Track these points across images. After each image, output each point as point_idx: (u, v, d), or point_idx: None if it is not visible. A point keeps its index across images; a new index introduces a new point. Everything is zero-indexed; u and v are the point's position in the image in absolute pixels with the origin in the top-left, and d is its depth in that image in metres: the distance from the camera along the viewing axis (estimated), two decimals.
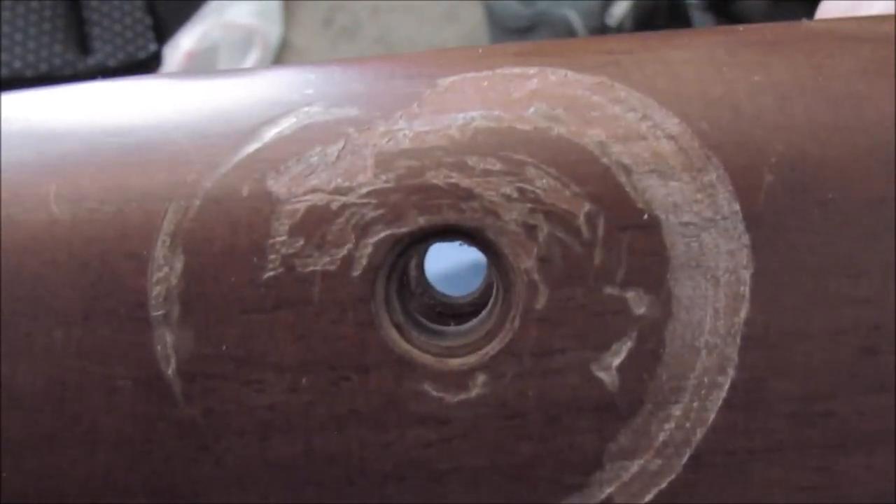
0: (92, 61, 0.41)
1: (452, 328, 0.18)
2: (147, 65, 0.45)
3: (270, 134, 0.16)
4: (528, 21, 1.11)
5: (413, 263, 0.22)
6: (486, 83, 0.17)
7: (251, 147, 0.16)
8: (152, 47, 0.46)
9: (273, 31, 1.09)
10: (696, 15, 1.00)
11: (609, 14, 1.06)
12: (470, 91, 0.16)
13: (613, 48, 0.17)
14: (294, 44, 1.13)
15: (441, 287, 0.22)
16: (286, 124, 0.16)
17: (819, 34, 0.16)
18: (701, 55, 0.17)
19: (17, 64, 0.40)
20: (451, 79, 0.17)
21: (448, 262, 0.39)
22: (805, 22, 0.17)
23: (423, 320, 0.17)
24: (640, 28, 1.03)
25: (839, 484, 0.16)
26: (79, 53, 0.45)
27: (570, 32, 1.07)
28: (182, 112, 0.17)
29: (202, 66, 1.00)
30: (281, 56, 1.11)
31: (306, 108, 0.16)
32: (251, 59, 1.06)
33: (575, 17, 1.08)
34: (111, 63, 0.41)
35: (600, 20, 1.06)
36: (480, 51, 0.17)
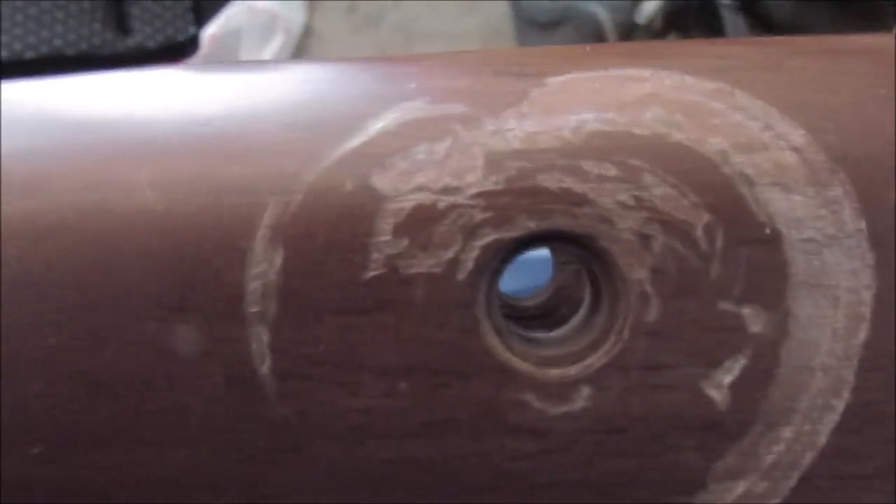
0: (131, 42, 0.40)
1: (543, 335, 0.17)
2: (185, 48, 0.44)
3: (374, 128, 0.16)
4: (556, 15, 1.10)
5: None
6: (597, 84, 0.16)
7: (355, 141, 0.15)
8: (192, 30, 0.46)
9: (296, 17, 1.08)
10: (728, 15, 1.00)
11: (639, 12, 1.05)
12: (581, 91, 0.16)
13: (727, 53, 0.16)
14: (316, 30, 1.12)
15: None
16: (390, 118, 0.16)
17: None
18: (814, 63, 0.16)
19: (58, 42, 0.40)
20: (561, 78, 0.16)
21: None
22: None
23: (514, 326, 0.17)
24: (669, 26, 1.02)
25: None
26: (118, 33, 0.45)
27: (597, 28, 1.06)
28: (275, 102, 0.16)
29: (224, 49, 0.99)
30: (303, 43, 1.11)
31: (410, 103, 0.16)
32: (273, 45, 1.06)
33: (603, 14, 1.07)
34: (150, 44, 0.40)
35: (629, 17, 1.05)
36: (588, 49, 0.17)
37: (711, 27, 0.99)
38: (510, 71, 0.16)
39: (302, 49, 1.10)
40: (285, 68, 0.17)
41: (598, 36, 1.00)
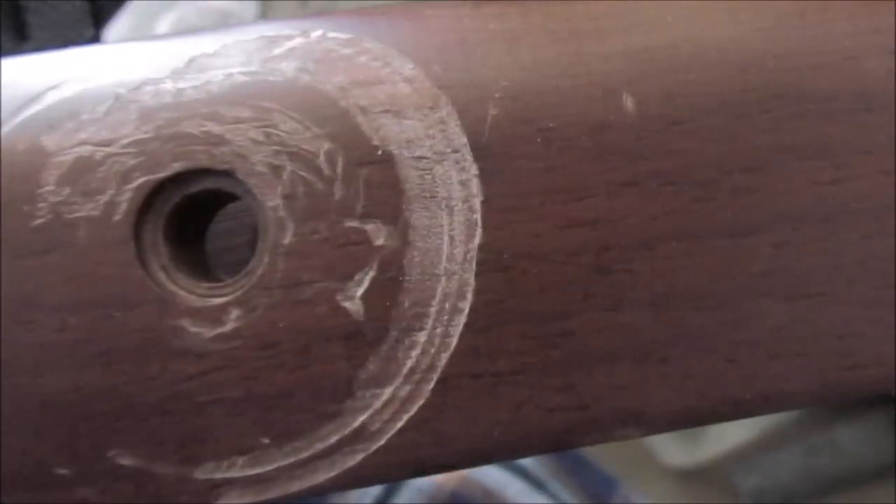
0: (29, 48, 0.42)
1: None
2: None
3: (51, 97, 0.18)
4: None
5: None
6: (252, 45, 0.18)
7: (32, 109, 0.18)
8: (90, 32, 0.48)
9: (249, 11, 1.07)
10: None
11: None
12: (235, 53, 0.18)
13: (371, 11, 0.18)
14: None
15: None
16: (68, 89, 0.18)
17: None
18: (448, 12, 0.18)
19: None
20: (221, 43, 0.18)
21: None
22: None
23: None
24: None
25: (586, 404, 0.17)
26: (17, 40, 0.47)
27: None
28: None
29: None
30: None
31: (90, 73, 0.18)
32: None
33: None
34: (49, 49, 0.42)
35: None
36: (257, 23, 0.19)
37: None
38: (181, 42, 0.18)
39: None
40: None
41: None
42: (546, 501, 0.49)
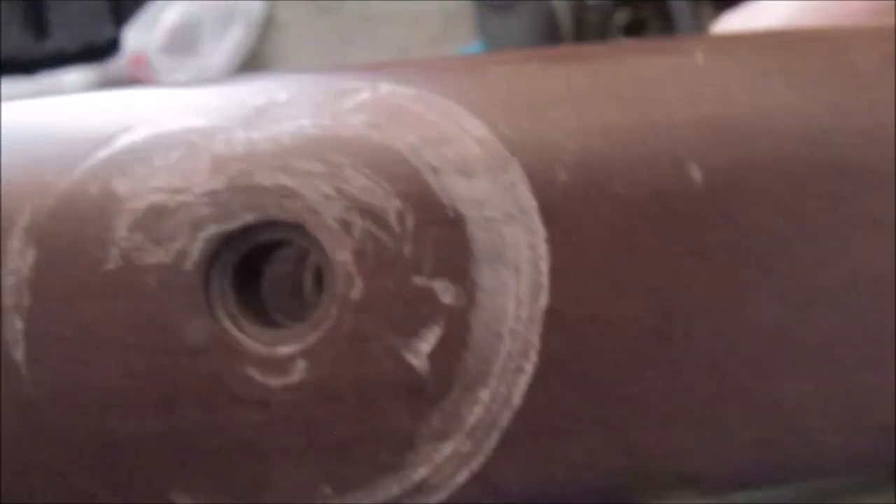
0: (50, 46, 0.42)
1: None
2: (104, 49, 0.46)
3: (122, 141, 0.18)
4: None
5: (309, 276, 0.23)
6: (321, 97, 0.18)
7: (103, 153, 0.18)
8: (110, 31, 0.47)
9: (255, 6, 1.06)
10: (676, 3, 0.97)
11: None
12: (306, 103, 0.18)
13: (437, 65, 0.19)
14: (277, 19, 1.11)
15: None
16: (138, 133, 0.18)
17: (616, 50, 0.18)
18: (514, 70, 0.18)
19: None
20: (290, 93, 0.18)
21: None
22: (615, 42, 0.19)
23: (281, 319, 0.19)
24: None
25: (644, 466, 0.17)
26: (37, 38, 0.47)
27: (549, 6, 1.04)
28: (45, 123, 0.18)
29: (184, 42, 0.97)
30: (265, 32, 1.09)
31: (159, 118, 0.18)
32: (233, 35, 1.04)
33: None
34: (69, 47, 0.42)
35: None
36: (323, 71, 0.19)
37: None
38: (249, 91, 0.19)
39: (265, 39, 1.08)
40: (63, 97, 0.20)
41: (550, 14, 0.98)
42: None
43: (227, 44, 1.04)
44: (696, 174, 0.17)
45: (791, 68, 0.18)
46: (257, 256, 0.19)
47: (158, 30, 0.95)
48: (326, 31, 1.03)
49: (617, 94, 0.17)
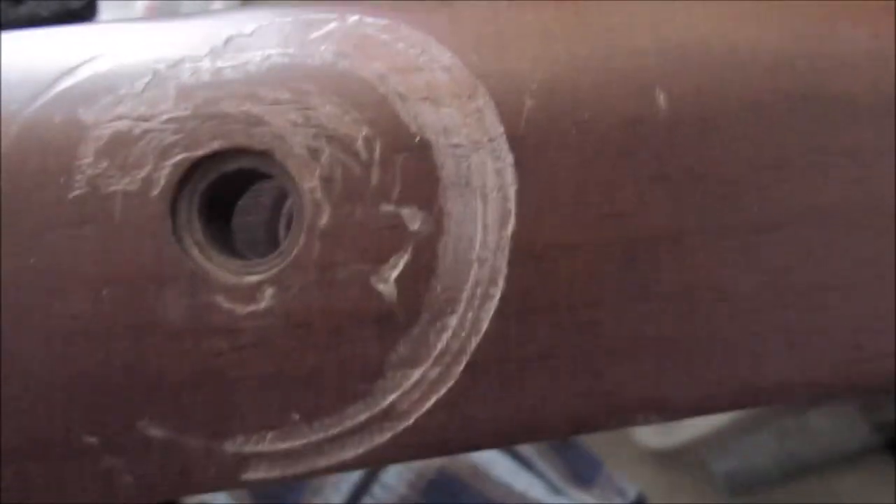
0: (24, 10, 0.41)
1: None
2: (80, 13, 0.44)
3: (86, 71, 0.18)
4: None
5: (283, 223, 0.23)
6: (288, 28, 0.18)
7: (68, 82, 0.18)
8: None
9: None
10: None
11: None
12: (273, 34, 0.18)
13: (412, 2, 0.19)
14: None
15: None
16: (103, 62, 0.18)
17: None
18: (485, 5, 0.18)
19: None
20: (257, 24, 0.18)
21: None
22: None
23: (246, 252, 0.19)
24: None
25: (611, 391, 0.17)
26: (11, 2, 0.45)
27: None
28: (7, 55, 0.18)
29: (165, 12, 0.96)
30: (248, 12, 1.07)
31: (124, 50, 0.18)
32: (217, 4, 1.03)
33: None
34: (43, 12, 0.41)
35: None
36: (289, 4, 0.19)
37: None
38: (218, 23, 0.18)
39: (248, 6, 1.06)
40: (32, 32, 0.19)
41: None
42: (532, 479, 0.50)
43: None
44: (662, 100, 0.17)
45: None
46: (226, 189, 0.18)
47: (136, 7, 0.93)
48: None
49: (584, 23, 0.17)
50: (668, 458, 0.95)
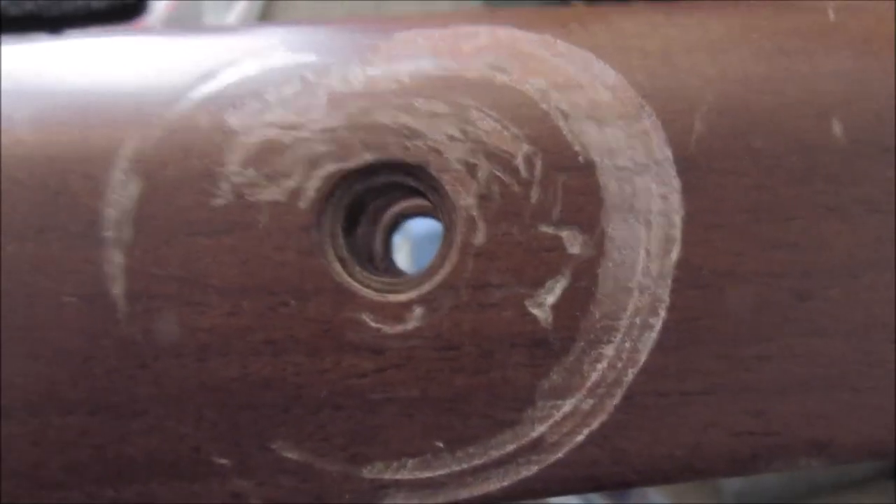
0: (78, 2, 0.41)
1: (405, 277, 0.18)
2: (133, 8, 0.44)
3: (230, 75, 0.17)
4: None
5: (379, 239, 0.23)
6: (438, 38, 0.18)
7: (210, 85, 0.17)
8: None
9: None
10: None
11: None
12: (423, 43, 0.17)
13: (552, 13, 0.18)
14: None
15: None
16: (247, 66, 0.17)
17: (740, 3, 0.17)
18: (641, 17, 0.17)
19: (2, 1, 0.41)
20: (407, 32, 0.18)
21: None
22: None
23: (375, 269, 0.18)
24: None
25: (774, 430, 0.16)
26: None
27: None
28: (147, 55, 0.18)
29: (186, 13, 0.96)
30: (268, 8, 1.07)
31: (268, 53, 0.17)
32: (236, 9, 1.03)
33: None
34: (96, 5, 0.41)
35: None
36: (438, 14, 0.18)
37: None
38: (365, 28, 0.18)
39: (268, 14, 1.06)
40: (167, 33, 0.19)
41: None
42: (575, 501, 0.49)
43: (231, 18, 1.02)
44: (837, 128, 0.16)
45: None
46: (366, 200, 0.18)
47: (237, 7, 0.92)
48: (335, 7, 1.01)
49: (754, 42, 0.17)
50: None
